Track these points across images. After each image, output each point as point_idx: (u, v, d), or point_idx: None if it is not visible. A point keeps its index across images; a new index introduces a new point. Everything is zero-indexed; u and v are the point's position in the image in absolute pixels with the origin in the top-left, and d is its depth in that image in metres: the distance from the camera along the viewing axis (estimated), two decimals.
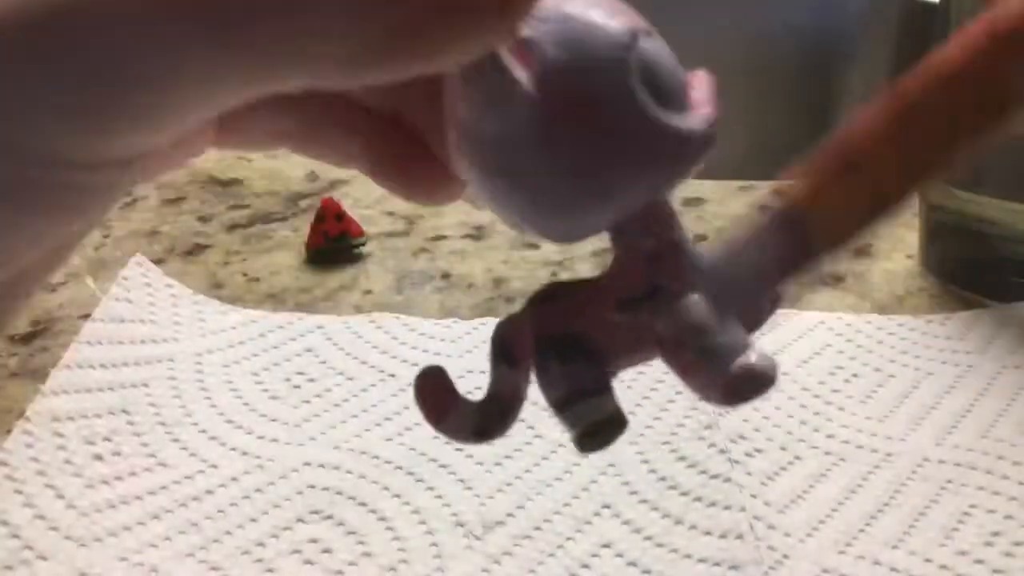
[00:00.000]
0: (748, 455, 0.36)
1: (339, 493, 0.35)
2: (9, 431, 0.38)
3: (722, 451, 0.35)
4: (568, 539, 0.33)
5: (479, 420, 0.18)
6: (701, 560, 0.31)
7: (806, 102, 0.96)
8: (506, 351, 0.19)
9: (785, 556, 0.32)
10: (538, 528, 0.33)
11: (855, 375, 0.41)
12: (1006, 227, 0.44)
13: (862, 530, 0.33)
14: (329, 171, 0.60)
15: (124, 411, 0.38)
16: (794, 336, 0.43)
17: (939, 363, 0.41)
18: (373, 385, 0.40)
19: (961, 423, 0.38)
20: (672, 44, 0.17)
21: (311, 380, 0.40)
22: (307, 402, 0.39)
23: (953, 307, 0.45)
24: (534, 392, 0.43)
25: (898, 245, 0.50)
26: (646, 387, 0.39)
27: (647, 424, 0.37)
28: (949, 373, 0.41)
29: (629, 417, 0.39)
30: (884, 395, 0.40)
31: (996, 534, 0.33)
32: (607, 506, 0.34)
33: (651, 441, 0.36)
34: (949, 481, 0.35)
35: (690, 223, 0.53)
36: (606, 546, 0.32)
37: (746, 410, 0.38)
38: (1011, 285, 0.45)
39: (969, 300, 0.46)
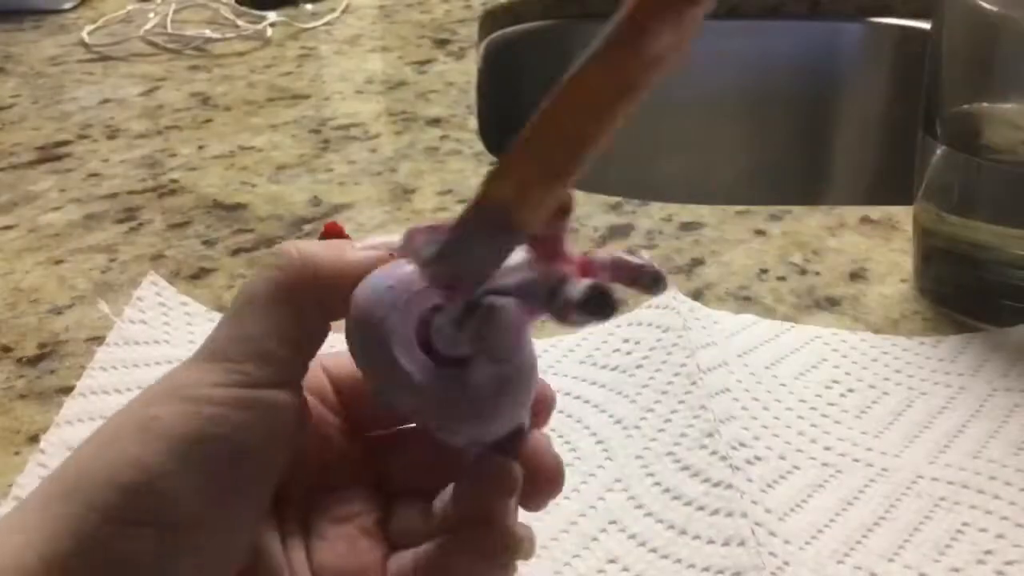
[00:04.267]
0: (748, 462, 0.37)
1: None
2: (17, 453, 0.38)
3: (723, 458, 0.36)
4: (575, 556, 0.33)
5: None
6: (704, 569, 0.32)
7: (803, 129, 0.97)
8: None
9: (785, 563, 0.33)
10: (545, 547, 0.34)
11: (850, 390, 0.42)
12: (998, 252, 0.45)
13: (859, 541, 0.34)
14: (331, 195, 0.61)
15: None
16: (790, 349, 0.44)
17: (932, 383, 0.42)
18: None
19: (954, 443, 0.39)
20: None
21: None
22: None
23: (947, 330, 0.46)
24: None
25: (893, 269, 0.51)
26: (650, 400, 0.40)
27: (651, 437, 0.38)
28: (941, 394, 0.42)
29: (634, 431, 0.40)
30: (878, 411, 0.41)
31: (988, 552, 0.34)
32: (613, 522, 0.35)
33: (655, 454, 0.37)
34: (942, 499, 0.36)
35: (688, 247, 0.54)
36: (612, 561, 0.33)
37: (745, 419, 0.39)
38: (1003, 309, 0.45)
39: (962, 324, 0.46)
